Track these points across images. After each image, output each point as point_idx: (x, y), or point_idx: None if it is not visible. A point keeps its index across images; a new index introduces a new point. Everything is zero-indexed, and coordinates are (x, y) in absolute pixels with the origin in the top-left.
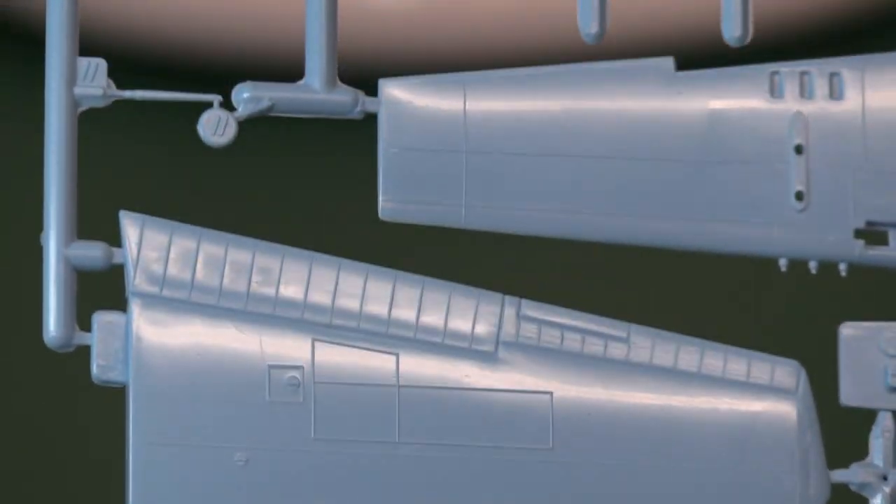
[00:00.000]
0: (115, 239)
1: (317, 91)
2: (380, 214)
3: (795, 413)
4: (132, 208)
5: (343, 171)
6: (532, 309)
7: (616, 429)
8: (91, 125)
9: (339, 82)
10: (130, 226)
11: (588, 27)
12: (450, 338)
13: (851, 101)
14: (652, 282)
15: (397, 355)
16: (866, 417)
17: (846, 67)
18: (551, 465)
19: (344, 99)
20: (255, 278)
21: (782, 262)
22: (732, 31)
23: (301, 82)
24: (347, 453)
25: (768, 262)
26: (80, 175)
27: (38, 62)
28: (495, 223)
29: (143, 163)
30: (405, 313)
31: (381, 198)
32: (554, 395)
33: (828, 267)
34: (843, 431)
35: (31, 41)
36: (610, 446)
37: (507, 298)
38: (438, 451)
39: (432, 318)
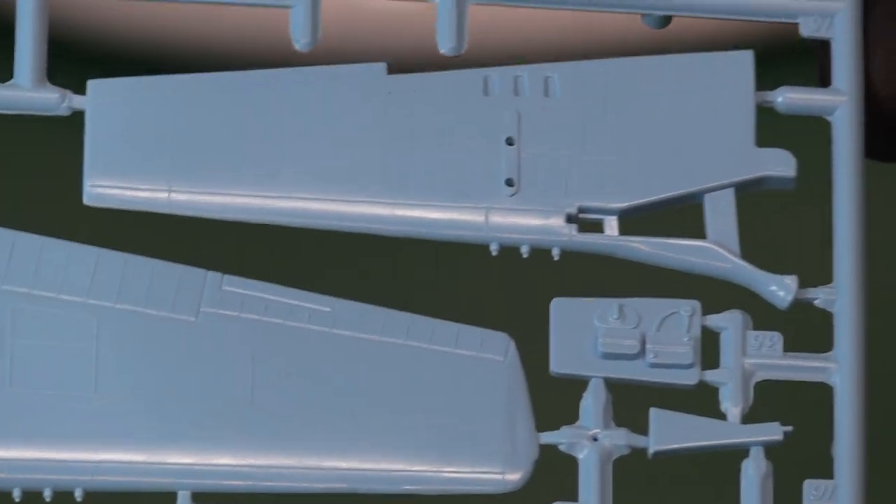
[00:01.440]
0: None
1: (25, 89)
2: (84, 200)
3: (502, 379)
4: None
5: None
6: (235, 283)
7: (318, 387)
8: None
9: (47, 81)
10: None
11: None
12: (151, 306)
13: (566, 99)
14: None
15: (97, 318)
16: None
17: (560, 70)
18: (252, 418)
19: (50, 96)
20: None
21: (493, 248)
22: (446, 43)
23: (11, 81)
24: (45, 401)
25: (484, 247)
26: None
27: None
28: (198, 209)
29: None
30: (107, 284)
31: (86, 182)
32: (254, 357)
33: (543, 252)
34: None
35: None
36: (312, 403)
37: (211, 273)
38: (133, 405)
39: (134, 289)
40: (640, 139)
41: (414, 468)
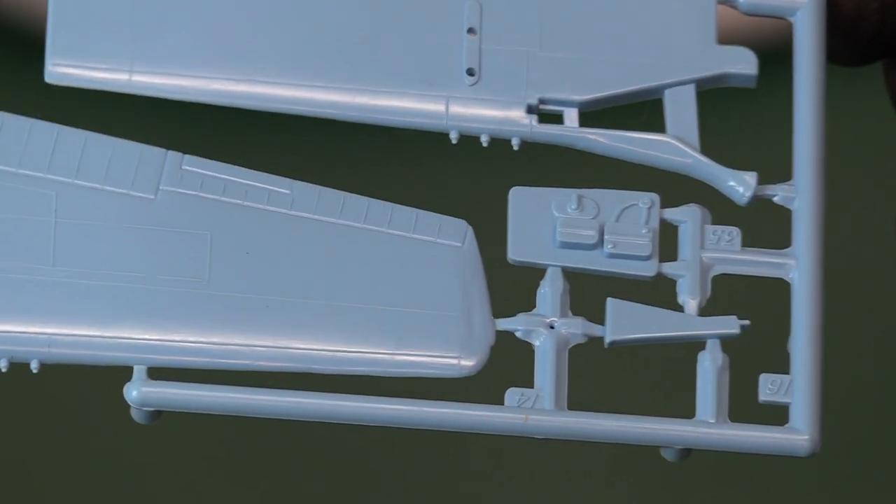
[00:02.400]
0: None
1: None
2: (46, 78)
3: (459, 265)
4: None
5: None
6: (195, 164)
7: (275, 268)
8: None
9: None
10: None
11: None
12: (110, 183)
13: None
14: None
15: (55, 194)
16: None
17: None
18: (208, 297)
19: None
20: None
21: (453, 136)
22: None
23: None
24: (2, 273)
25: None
26: None
27: None
28: (159, 90)
29: None
30: (66, 160)
31: (47, 61)
32: (212, 237)
33: (503, 142)
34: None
35: None
36: (268, 284)
37: (171, 153)
38: (89, 280)
39: (94, 166)
40: (601, 33)
41: (369, 351)
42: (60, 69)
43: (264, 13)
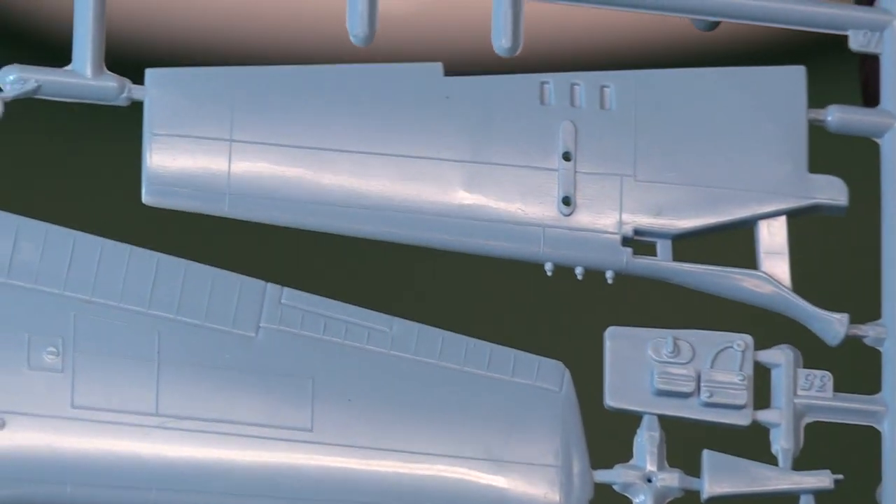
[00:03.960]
0: None
1: (84, 76)
2: (143, 199)
3: (558, 411)
4: None
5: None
6: (294, 298)
7: (377, 414)
8: None
9: (105, 69)
10: None
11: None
12: (211, 319)
13: (621, 113)
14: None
15: (159, 333)
16: (633, 421)
17: (616, 81)
18: (311, 446)
19: (110, 85)
20: (17, 251)
21: (548, 267)
22: (501, 42)
23: (68, 67)
24: (107, 422)
25: (537, 266)
26: None
27: None
28: (260, 214)
29: None
30: (167, 294)
31: (144, 183)
32: (314, 380)
33: (595, 274)
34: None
35: None
36: (371, 432)
37: (270, 286)
38: (195, 425)
39: (194, 300)
40: (696, 161)
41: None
42: (159, 186)
43: (355, 131)
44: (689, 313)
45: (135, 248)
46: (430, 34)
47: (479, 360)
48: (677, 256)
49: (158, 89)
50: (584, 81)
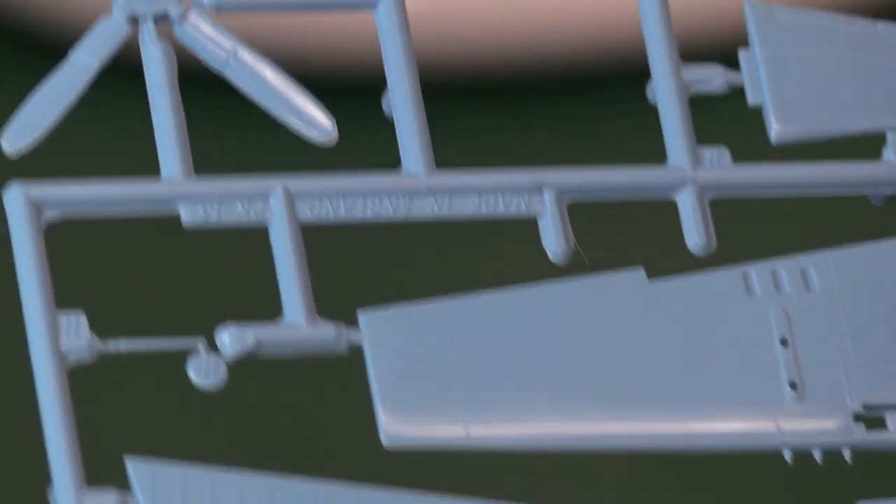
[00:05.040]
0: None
1: (300, 327)
2: (383, 442)
3: None
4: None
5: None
6: None
7: None
8: None
9: (317, 315)
10: (139, 476)
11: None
12: None
13: (826, 292)
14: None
15: None
16: None
17: (814, 262)
18: None
19: (327, 333)
20: None
21: (787, 454)
22: (695, 240)
23: (281, 319)
24: None
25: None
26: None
27: None
28: (496, 441)
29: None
30: None
31: (382, 425)
32: None
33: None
34: None
35: None
36: None
37: None
38: None
39: None
40: None
41: None
42: (395, 430)
43: (572, 347)
44: None
45: (218, 473)
46: (432, 34)
47: None
48: None
49: (374, 333)
50: (783, 267)
